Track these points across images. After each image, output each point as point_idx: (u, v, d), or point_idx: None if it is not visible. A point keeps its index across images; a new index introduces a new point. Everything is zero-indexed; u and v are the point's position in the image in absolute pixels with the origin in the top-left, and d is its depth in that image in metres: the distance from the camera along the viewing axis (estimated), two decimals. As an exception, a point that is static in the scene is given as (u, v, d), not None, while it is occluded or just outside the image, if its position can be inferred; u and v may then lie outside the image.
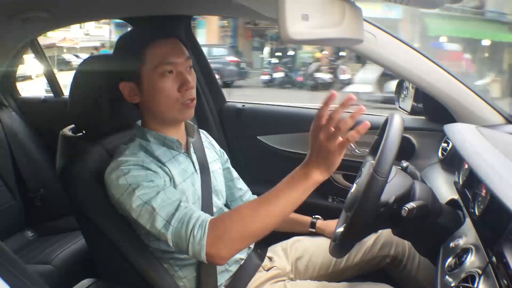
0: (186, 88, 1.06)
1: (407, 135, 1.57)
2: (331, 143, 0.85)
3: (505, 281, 0.73)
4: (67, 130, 1.28)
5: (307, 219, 1.39)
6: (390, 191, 0.92)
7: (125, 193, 1.00)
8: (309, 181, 0.89)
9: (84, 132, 1.26)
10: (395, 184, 0.96)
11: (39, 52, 2.43)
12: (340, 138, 0.85)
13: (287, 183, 0.92)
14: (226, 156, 1.38)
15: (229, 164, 1.38)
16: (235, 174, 1.39)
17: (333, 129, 0.84)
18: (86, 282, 1.20)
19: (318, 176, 0.89)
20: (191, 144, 1.19)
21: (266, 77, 13.52)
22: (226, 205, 1.31)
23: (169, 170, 1.08)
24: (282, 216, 0.93)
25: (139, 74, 1.06)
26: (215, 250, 0.93)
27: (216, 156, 1.31)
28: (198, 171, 1.17)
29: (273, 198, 0.92)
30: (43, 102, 2.50)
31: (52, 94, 2.53)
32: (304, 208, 1.74)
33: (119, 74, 1.10)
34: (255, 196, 1.41)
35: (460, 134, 1.23)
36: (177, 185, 1.09)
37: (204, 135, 1.34)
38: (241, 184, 1.40)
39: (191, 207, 1.00)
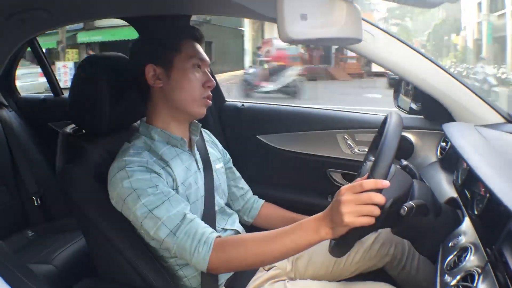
0: (209, 85, 1.14)
1: (406, 134, 1.57)
2: (351, 217, 0.85)
3: (505, 280, 0.73)
4: (67, 130, 1.28)
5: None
6: (389, 191, 0.92)
7: (129, 197, 1.01)
8: (317, 237, 0.92)
9: (84, 131, 1.26)
10: (394, 184, 0.96)
11: (38, 52, 2.43)
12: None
13: (295, 230, 0.95)
14: (228, 156, 1.40)
15: (231, 164, 1.40)
16: (237, 173, 1.41)
17: (359, 205, 0.85)
18: (86, 281, 1.20)
19: (327, 235, 0.91)
20: (195, 143, 1.20)
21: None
22: (227, 204, 1.32)
23: (172, 170, 1.09)
24: (282, 258, 0.99)
25: (172, 60, 1.11)
26: (216, 267, 1.00)
27: (219, 155, 1.33)
28: (202, 169, 1.18)
29: (279, 240, 0.95)
30: (43, 101, 2.51)
31: (51, 94, 2.53)
32: (303, 208, 1.74)
33: (148, 56, 1.13)
34: (256, 197, 1.42)
35: (458, 133, 1.23)
36: (179, 184, 1.09)
37: (207, 135, 1.36)
38: (242, 183, 1.41)
39: (196, 220, 1.02)
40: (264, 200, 1.42)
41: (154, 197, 1.01)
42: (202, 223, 1.03)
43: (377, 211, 0.85)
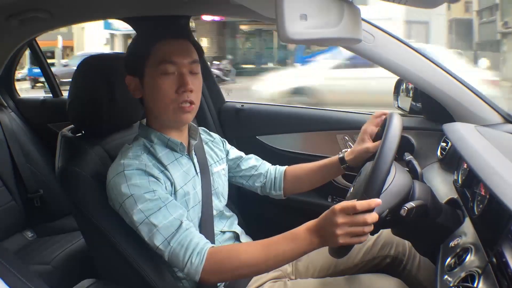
0: (184, 90, 1.05)
1: (406, 135, 1.57)
2: (346, 238, 0.88)
3: (505, 281, 0.73)
4: (66, 131, 1.28)
5: (334, 160, 1.30)
6: (386, 200, 0.93)
7: (126, 202, 1.01)
8: (310, 247, 0.94)
9: (83, 132, 1.26)
10: (393, 187, 0.96)
11: (38, 53, 2.43)
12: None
13: (288, 241, 0.95)
14: (227, 146, 1.38)
15: (232, 151, 1.38)
16: (238, 154, 1.38)
17: (352, 227, 0.87)
18: (86, 282, 1.19)
19: (319, 245, 0.93)
20: (193, 147, 1.19)
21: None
22: (228, 205, 1.31)
23: (170, 174, 1.08)
24: (276, 267, 1.00)
25: (143, 69, 1.07)
26: (208, 277, 0.99)
27: (220, 153, 1.31)
28: (199, 174, 1.18)
29: (272, 251, 0.96)
30: (42, 102, 2.50)
31: (51, 95, 2.53)
32: (303, 208, 1.74)
33: (126, 67, 1.11)
34: (276, 167, 1.40)
35: (459, 133, 1.23)
36: (178, 190, 1.09)
37: (206, 133, 1.34)
38: (252, 161, 1.38)
39: (191, 229, 1.02)
40: (285, 167, 1.39)
41: (152, 203, 1.01)
42: (197, 233, 1.03)
43: (370, 229, 0.88)
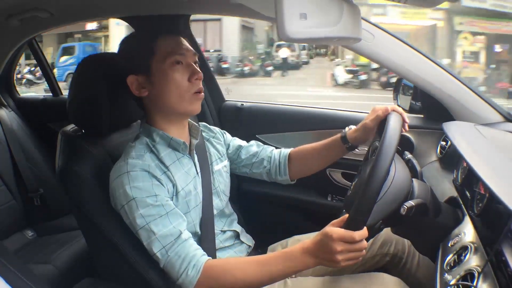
0: (196, 78, 1.08)
1: (406, 134, 1.57)
2: (346, 262, 0.91)
3: (504, 279, 0.73)
4: (66, 130, 1.28)
5: (336, 139, 1.29)
6: (378, 212, 0.93)
7: (129, 204, 1.02)
8: (304, 267, 0.96)
9: (83, 131, 1.26)
10: (389, 196, 0.96)
11: (38, 52, 2.43)
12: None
13: (283, 261, 0.97)
14: (228, 137, 1.38)
15: (232, 143, 1.37)
16: (238, 144, 1.38)
17: (352, 252, 0.90)
18: (86, 281, 1.20)
19: (314, 265, 0.95)
20: (194, 146, 1.19)
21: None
22: (232, 198, 1.31)
23: (172, 175, 1.09)
24: (268, 284, 1.01)
25: (149, 65, 1.07)
26: None
27: (221, 151, 1.31)
28: (200, 174, 1.18)
29: (266, 269, 0.97)
30: (42, 101, 2.50)
31: (51, 94, 2.53)
32: (303, 207, 1.74)
33: (127, 68, 1.10)
34: (280, 151, 1.39)
35: (458, 132, 1.23)
36: (179, 191, 1.09)
37: (207, 129, 1.34)
38: (253, 148, 1.38)
39: (189, 240, 1.03)
40: (289, 149, 1.38)
41: (153, 209, 1.01)
42: (195, 244, 1.04)
43: (364, 252, 0.91)
